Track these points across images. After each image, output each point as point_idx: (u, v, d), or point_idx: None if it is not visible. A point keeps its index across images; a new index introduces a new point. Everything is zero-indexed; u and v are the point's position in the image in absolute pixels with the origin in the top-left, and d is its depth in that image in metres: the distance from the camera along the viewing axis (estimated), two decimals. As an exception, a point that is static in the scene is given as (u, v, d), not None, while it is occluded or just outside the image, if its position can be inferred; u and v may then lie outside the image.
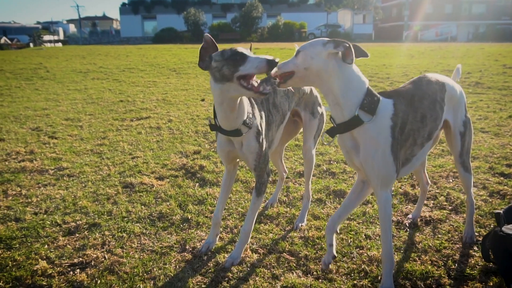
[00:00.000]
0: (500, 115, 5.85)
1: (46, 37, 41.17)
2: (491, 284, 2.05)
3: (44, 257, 2.40)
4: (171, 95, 8.25)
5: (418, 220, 2.77)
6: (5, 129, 5.49)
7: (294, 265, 2.29)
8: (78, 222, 2.81)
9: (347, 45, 1.74)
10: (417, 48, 23.27)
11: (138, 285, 2.14)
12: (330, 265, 2.18)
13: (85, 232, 2.70)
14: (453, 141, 2.33)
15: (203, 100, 7.65)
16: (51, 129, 5.52)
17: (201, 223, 2.80)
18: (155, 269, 2.28)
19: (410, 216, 2.82)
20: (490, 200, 3.07)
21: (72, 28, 68.60)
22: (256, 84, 1.90)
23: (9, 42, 35.00)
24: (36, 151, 4.43)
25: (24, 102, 7.60)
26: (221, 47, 1.97)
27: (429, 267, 2.23)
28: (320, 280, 2.16)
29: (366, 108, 1.78)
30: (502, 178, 3.47)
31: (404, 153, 1.97)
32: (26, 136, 5.11)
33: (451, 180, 3.47)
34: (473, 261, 2.28)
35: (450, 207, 2.98)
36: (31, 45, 35.60)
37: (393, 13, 55.46)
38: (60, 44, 40.04)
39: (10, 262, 2.34)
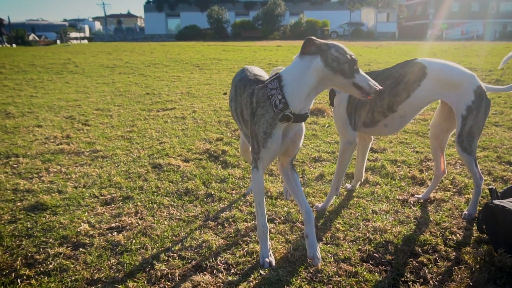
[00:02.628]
0: (515, 110, 5.97)
1: (73, 34, 42.25)
2: (482, 250, 2.27)
3: (86, 221, 2.73)
4: (195, 89, 8.59)
5: (423, 200, 3.00)
6: (41, 117, 5.90)
7: (306, 233, 2.56)
8: (113, 195, 3.15)
9: None
10: (440, 47, 23.12)
11: (167, 245, 2.44)
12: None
13: (120, 203, 3.03)
14: (456, 122, 2.58)
15: (225, 93, 7.95)
16: (84, 117, 5.90)
17: (223, 198, 3.09)
18: (182, 233, 2.58)
19: (419, 195, 3.06)
20: (493, 184, 3.27)
21: (97, 25, 70.12)
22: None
23: (37, 39, 36.10)
24: (71, 136, 4.81)
25: (57, 94, 8.04)
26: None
27: (428, 236, 2.47)
28: (328, 245, 2.42)
29: None
30: (507, 166, 3.66)
31: (365, 115, 2.73)
32: (61, 123, 5.51)
33: (458, 167, 3.68)
34: (468, 233, 2.51)
35: (454, 190, 3.20)
36: (58, 42, 36.62)
37: (418, 11, 54.85)
38: (85, 41, 41.05)
39: (57, 224, 2.68)
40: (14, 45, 29.01)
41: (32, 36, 35.84)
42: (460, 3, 48.67)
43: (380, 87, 1.96)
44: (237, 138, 4.72)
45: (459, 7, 48.73)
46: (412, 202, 2.97)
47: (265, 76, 2.36)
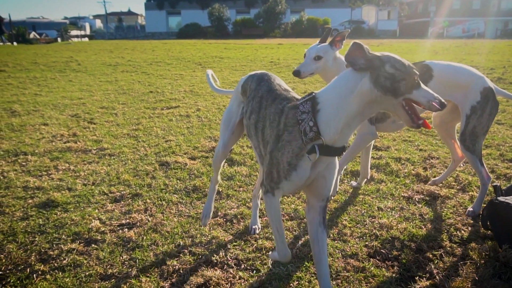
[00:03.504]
0: (517, 108, 6.01)
1: (73, 32, 42.26)
2: (486, 246, 2.32)
3: (97, 218, 2.78)
4: (198, 87, 8.63)
5: (427, 197, 3.05)
6: (47, 115, 5.94)
7: (313, 229, 2.61)
8: (122, 192, 3.20)
9: None
10: (441, 45, 23.12)
11: (178, 242, 2.49)
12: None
13: (129, 200, 3.08)
14: (460, 120, 2.65)
15: (228, 91, 7.99)
16: (89, 116, 5.95)
17: (230, 195, 3.14)
18: (192, 230, 2.63)
19: (435, 179, 3.27)
20: (497, 181, 3.31)
21: (98, 23, 70.14)
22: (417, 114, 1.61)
23: (38, 37, 36.05)
24: (78, 134, 4.86)
25: (61, 92, 8.08)
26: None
27: (433, 232, 2.53)
28: (336, 241, 2.47)
29: None
30: (510, 164, 3.71)
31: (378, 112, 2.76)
32: (67, 122, 5.55)
33: (461, 165, 3.72)
34: (473, 229, 2.56)
35: (458, 187, 3.25)
36: (59, 40, 36.62)
37: (419, 9, 54.74)
38: (86, 39, 41.04)
39: (68, 221, 2.73)
40: (15, 43, 29.01)
41: (33, 34, 35.76)
42: (461, 0, 48.61)
43: (444, 103, 1.55)
44: (243, 136, 4.75)
45: (460, 5, 48.65)
46: (426, 189, 3.02)
47: (290, 90, 1.99)
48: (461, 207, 2.89)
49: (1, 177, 3.49)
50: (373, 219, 2.72)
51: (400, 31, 45.81)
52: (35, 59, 14.80)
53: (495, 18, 46.40)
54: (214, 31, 43.14)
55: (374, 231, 2.56)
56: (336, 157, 1.78)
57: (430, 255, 2.30)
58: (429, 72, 2.64)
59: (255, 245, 2.44)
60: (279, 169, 1.72)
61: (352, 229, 2.61)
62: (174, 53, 17.35)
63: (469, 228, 2.59)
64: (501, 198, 2.27)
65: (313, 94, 1.71)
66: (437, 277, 2.11)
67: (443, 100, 1.56)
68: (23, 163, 3.85)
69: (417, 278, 2.11)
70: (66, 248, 2.41)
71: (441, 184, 3.27)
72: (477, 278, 2.08)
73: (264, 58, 14.90)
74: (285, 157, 1.69)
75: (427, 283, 2.07)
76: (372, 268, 2.20)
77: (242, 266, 2.24)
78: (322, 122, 1.63)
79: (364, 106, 1.59)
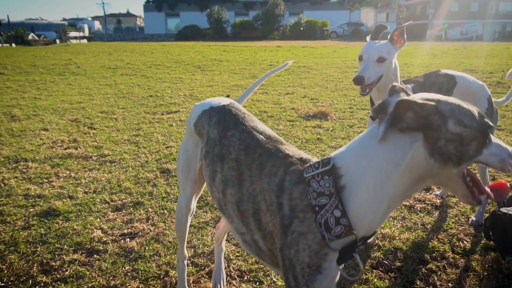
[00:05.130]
0: (517, 113, 6.02)
1: (72, 34, 42.21)
2: (489, 257, 2.33)
3: (99, 227, 2.77)
4: (198, 91, 8.63)
5: (429, 206, 3.06)
6: (47, 120, 5.93)
7: (316, 239, 2.61)
8: (124, 201, 3.19)
9: None
10: (440, 47, 23.17)
11: (180, 252, 2.49)
12: None
13: (131, 209, 3.07)
14: None
15: (228, 96, 7.96)
16: (89, 120, 5.94)
17: (232, 204, 3.14)
18: (194, 240, 2.63)
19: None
20: (498, 190, 3.32)
21: (97, 24, 70.12)
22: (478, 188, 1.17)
23: (36, 38, 36.02)
24: (78, 140, 4.85)
25: (60, 96, 8.07)
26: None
27: (436, 243, 2.53)
28: (338, 251, 2.47)
29: None
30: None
31: None
32: (67, 127, 5.54)
33: (462, 172, 3.73)
34: (475, 240, 2.57)
35: (459, 195, 3.25)
36: (58, 41, 36.60)
37: (417, 12, 54.91)
38: (85, 41, 41.02)
39: (70, 231, 2.72)
40: (13, 45, 28.98)
41: (31, 36, 35.75)
42: (459, 3, 48.76)
43: None
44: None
45: (458, 7, 48.81)
46: (430, 200, 3.02)
47: (276, 137, 1.44)
48: (463, 216, 2.90)
49: (2, 185, 3.49)
50: (375, 229, 2.72)
51: (399, 33, 45.79)
52: (34, 62, 14.79)
53: (493, 21, 46.56)
54: (213, 33, 43.15)
55: (376, 242, 2.56)
56: None
57: (433, 267, 2.30)
58: (453, 80, 2.66)
59: (257, 256, 2.43)
60: (295, 273, 1.18)
61: (354, 239, 2.61)
62: (173, 56, 17.36)
63: (472, 239, 2.59)
64: (503, 209, 2.28)
65: (331, 162, 1.16)
66: (440, 289, 2.11)
67: None
68: (24, 170, 3.84)
69: (420, 290, 2.11)
70: (68, 259, 2.40)
71: (442, 193, 3.28)
72: (480, 290, 2.09)
73: (263, 61, 14.91)
74: (301, 256, 1.16)
75: (431, 295, 2.08)
76: (375, 280, 2.20)
77: (245, 278, 2.24)
78: (353, 209, 1.12)
79: (412, 182, 1.11)
